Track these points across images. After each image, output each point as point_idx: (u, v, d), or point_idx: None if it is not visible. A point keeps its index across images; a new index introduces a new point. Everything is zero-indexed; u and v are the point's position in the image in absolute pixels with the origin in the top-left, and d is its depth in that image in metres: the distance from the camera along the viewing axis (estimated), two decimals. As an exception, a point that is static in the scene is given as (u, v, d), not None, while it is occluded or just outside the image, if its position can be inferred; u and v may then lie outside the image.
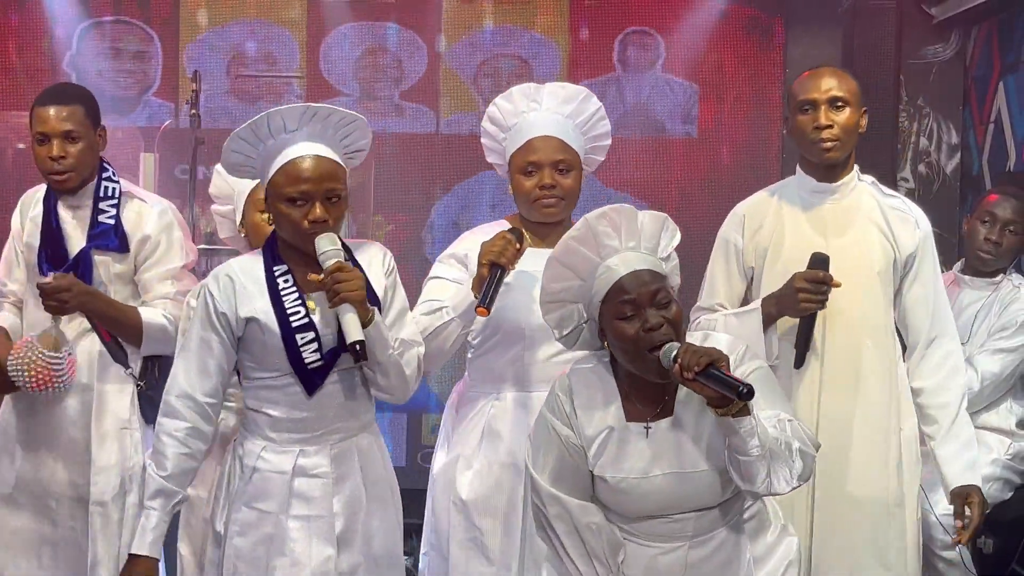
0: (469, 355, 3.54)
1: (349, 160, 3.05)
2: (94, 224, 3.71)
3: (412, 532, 3.58)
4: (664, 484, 2.76)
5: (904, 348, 3.50)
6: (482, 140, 3.57)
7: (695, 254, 6.38)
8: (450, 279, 3.38)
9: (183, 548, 3.60)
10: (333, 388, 3.00)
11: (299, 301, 2.94)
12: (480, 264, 3.21)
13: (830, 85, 3.40)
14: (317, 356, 2.94)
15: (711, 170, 6.64)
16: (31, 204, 3.85)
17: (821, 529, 3.39)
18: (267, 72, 6.69)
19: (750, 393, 2.53)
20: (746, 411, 2.59)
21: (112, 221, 3.71)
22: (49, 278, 3.55)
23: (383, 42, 6.73)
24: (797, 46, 6.56)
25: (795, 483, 2.69)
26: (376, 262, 3.09)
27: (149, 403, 3.73)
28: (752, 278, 3.53)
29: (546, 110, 3.45)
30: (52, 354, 3.56)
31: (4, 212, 3.97)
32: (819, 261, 3.32)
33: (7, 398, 3.84)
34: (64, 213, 3.75)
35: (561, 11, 6.66)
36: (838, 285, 3.29)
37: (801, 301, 3.28)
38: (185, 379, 2.97)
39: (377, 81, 6.76)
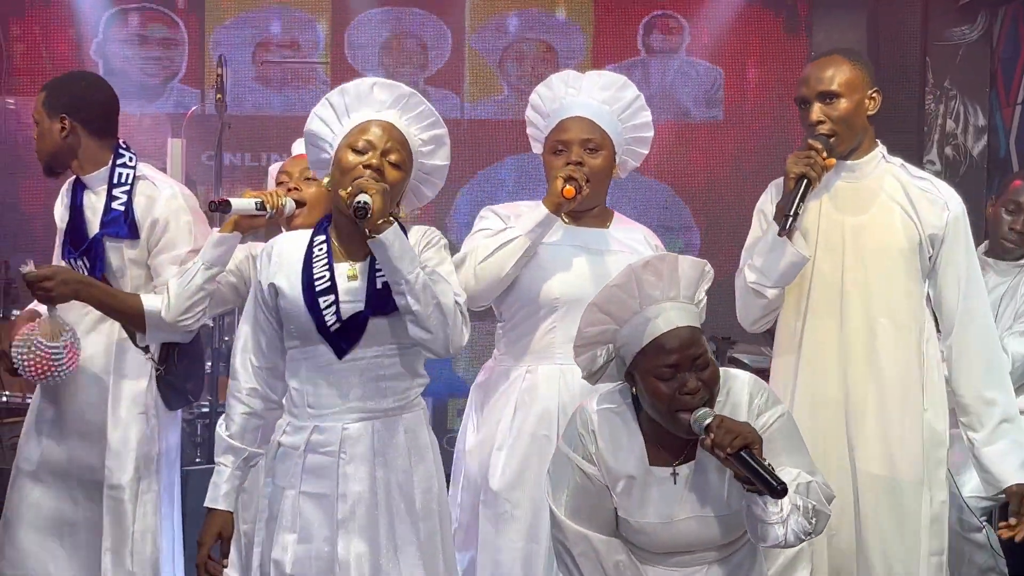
0: (499, 330, 3.56)
1: (419, 161, 3.10)
2: (107, 210, 3.73)
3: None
4: (688, 528, 2.79)
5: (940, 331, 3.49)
6: (528, 130, 3.61)
7: (722, 238, 6.34)
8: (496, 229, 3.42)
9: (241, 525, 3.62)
10: (358, 365, 3.00)
11: (326, 267, 2.99)
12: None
13: (820, 79, 3.38)
14: (335, 318, 2.96)
15: (736, 153, 6.64)
16: (67, 191, 3.89)
17: (862, 511, 3.40)
18: (292, 58, 6.71)
19: (784, 491, 2.56)
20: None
21: (123, 208, 3.72)
22: (29, 267, 3.54)
23: (408, 27, 6.74)
24: (822, 29, 6.54)
25: (805, 540, 2.72)
26: (412, 234, 3.11)
27: (169, 388, 3.75)
28: None
29: (583, 94, 3.48)
30: (50, 344, 3.56)
31: (31, 197, 4.00)
32: (818, 137, 3.33)
33: (37, 386, 3.87)
34: (87, 199, 3.77)
35: (585, -5, 6.67)
36: (831, 164, 3.30)
37: (788, 165, 3.30)
38: (243, 344, 3.07)
39: (402, 66, 6.78)
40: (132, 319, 3.65)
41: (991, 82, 6.15)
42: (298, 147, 3.68)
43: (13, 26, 6.57)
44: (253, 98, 6.60)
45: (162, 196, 3.72)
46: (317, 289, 2.97)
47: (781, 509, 2.63)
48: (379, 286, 2.98)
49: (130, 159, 3.78)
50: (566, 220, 3.43)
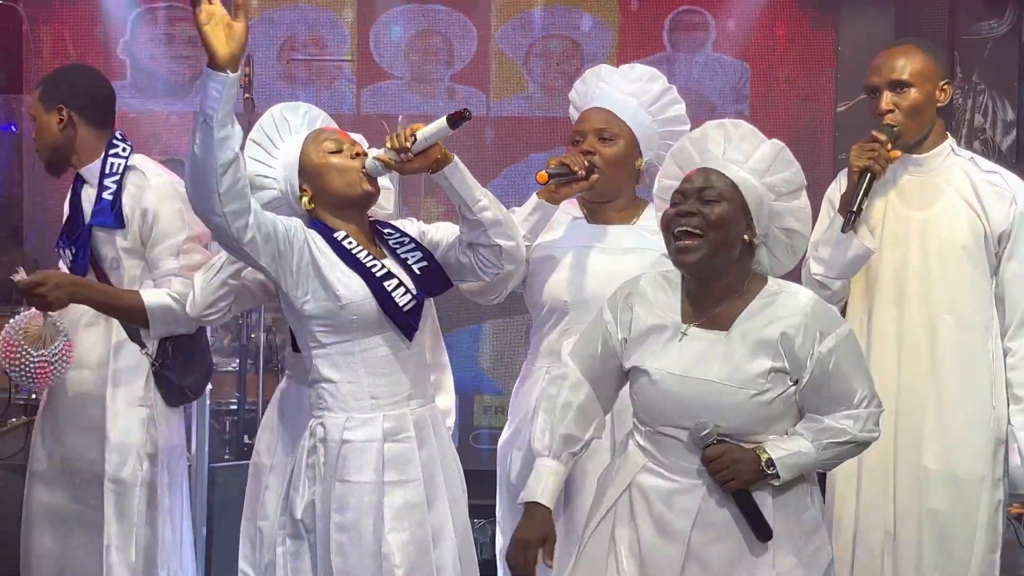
0: (531, 330, 3.59)
1: None
2: (97, 200, 3.72)
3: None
4: (698, 389, 2.76)
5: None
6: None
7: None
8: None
9: (248, 511, 3.63)
10: (415, 351, 3.07)
11: (370, 255, 3.02)
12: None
13: (892, 68, 3.38)
14: (409, 297, 3.00)
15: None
16: (71, 185, 3.91)
17: (901, 503, 3.38)
18: (318, 56, 6.73)
19: (768, 536, 2.74)
20: (774, 475, 2.76)
21: (111, 197, 3.70)
22: (20, 275, 3.53)
23: (433, 25, 6.74)
24: (850, 23, 6.50)
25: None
26: (409, 227, 3.22)
27: (165, 383, 3.75)
28: None
29: (609, 86, 3.48)
30: (39, 353, 3.55)
31: (58, 196, 4.01)
32: (885, 129, 3.31)
33: None
34: (84, 192, 3.78)
35: (611, -9, 6.65)
36: (896, 156, 3.29)
37: (851, 158, 3.29)
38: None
39: (427, 64, 6.78)
40: (132, 315, 3.61)
41: (1020, 76, 6.11)
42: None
43: (41, 27, 6.60)
44: (279, 96, 6.61)
45: (151, 185, 3.69)
46: (378, 275, 2.98)
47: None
48: (417, 271, 3.06)
49: (123, 150, 3.76)
50: (586, 217, 3.44)
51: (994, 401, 3.37)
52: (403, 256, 3.07)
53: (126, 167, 3.71)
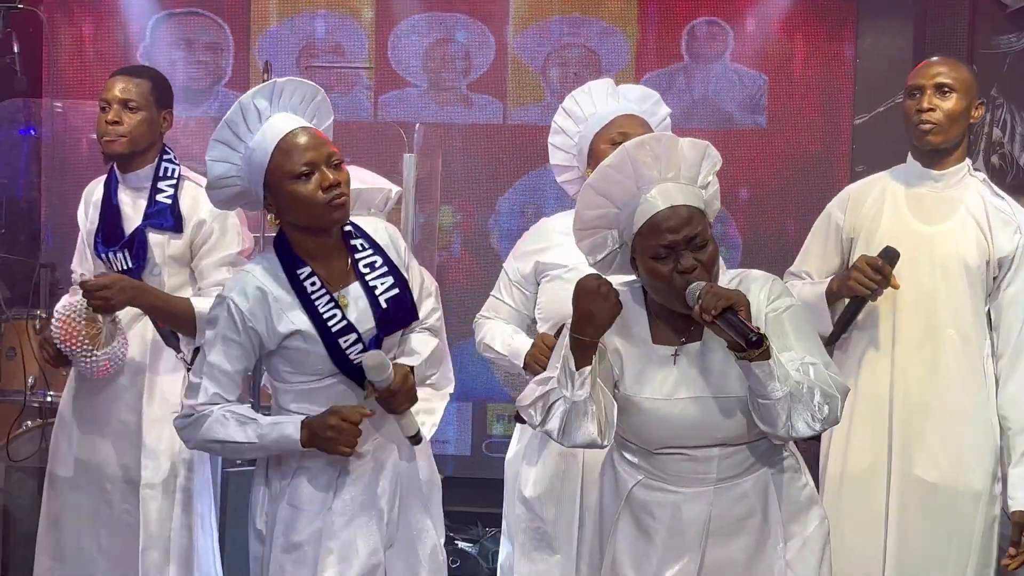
0: None
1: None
2: (151, 203, 3.74)
3: (477, 519, 3.61)
4: (689, 409, 2.74)
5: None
6: (551, 140, 3.59)
7: (767, 244, 6.30)
8: (507, 302, 3.58)
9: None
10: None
11: (331, 304, 2.86)
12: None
13: (939, 71, 3.43)
14: (360, 348, 2.87)
15: (780, 161, 6.60)
16: (92, 192, 3.92)
17: (898, 514, 3.38)
18: (337, 63, 6.74)
19: (759, 342, 2.55)
20: (765, 356, 2.59)
21: (169, 200, 3.73)
22: (89, 276, 3.57)
23: (451, 33, 6.75)
24: (868, 35, 6.49)
25: (818, 427, 2.68)
26: (382, 236, 3.03)
27: None
28: (849, 253, 3.54)
29: (625, 101, 3.49)
30: (103, 352, 3.63)
31: (77, 200, 4.03)
32: (888, 253, 3.33)
33: (67, 385, 3.89)
34: (124, 196, 3.79)
35: (630, 1, 6.65)
36: (896, 286, 3.31)
37: (852, 280, 3.31)
38: (212, 393, 2.88)
39: (445, 72, 6.79)
40: (182, 323, 3.66)
41: (1039, 90, 6.09)
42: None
43: (61, 32, 6.63)
44: (297, 103, 6.63)
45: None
46: (334, 330, 2.84)
47: (781, 387, 2.60)
48: (384, 305, 2.91)
49: (174, 157, 3.82)
50: None
51: (994, 419, 3.40)
52: (371, 284, 2.92)
53: (180, 175, 3.76)
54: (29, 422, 4.65)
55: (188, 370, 3.74)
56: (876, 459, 3.38)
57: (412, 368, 2.89)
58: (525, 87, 6.74)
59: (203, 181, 3.82)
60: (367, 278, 2.91)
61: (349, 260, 2.93)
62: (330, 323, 2.84)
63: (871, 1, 6.48)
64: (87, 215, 3.91)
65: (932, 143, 3.40)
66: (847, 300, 3.42)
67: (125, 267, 3.73)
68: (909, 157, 3.54)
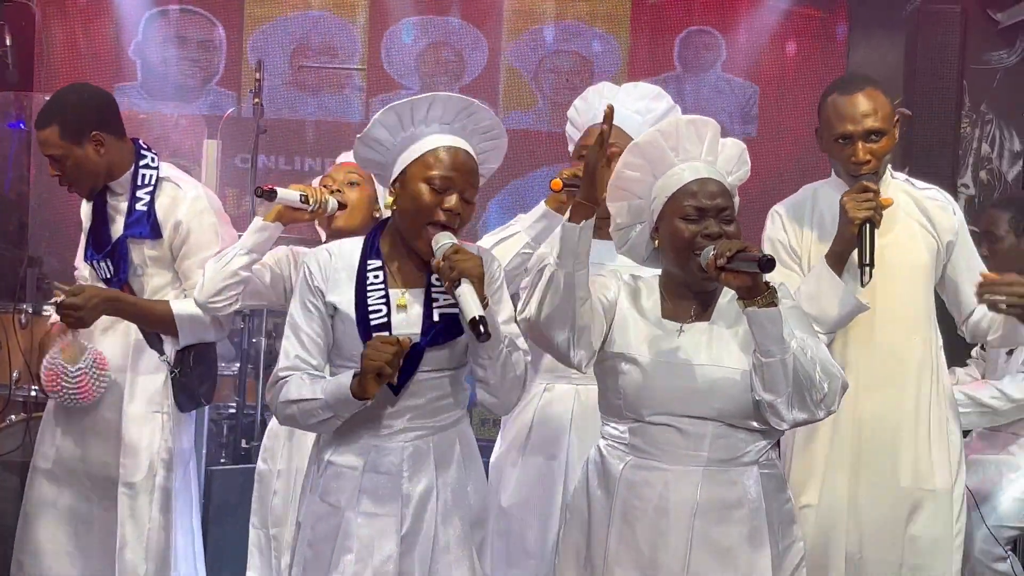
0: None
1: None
2: (130, 211, 3.74)
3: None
4: (687, 373, 2.77)
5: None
6: (570, 148, 3.61)
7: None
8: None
9: (255, 519, 3.63)
10: (416, 387, 2.90)
11: (383, 299, 2.87)
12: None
13: (865, 113, 3.32)
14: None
15: (771, 170, 6.61)
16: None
17: (869, 523, 3.39)
18: (329, 64, 6.74)
19: (771, 263, 2.58)
20: (773, 303, 2.64)
21: (145, 208, 3.72)
22: (60, 296, 3.57)
23: (445, 37, 6.76)
24: (860, 49, 6.52)
25: (819, 412, 2.71)
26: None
27: (183, 390, 3.76)
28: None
29: (614, 103, 3.47)
30: (76, 368, 3.62)
31: (63, 193, 4.01)
32: (871, 177, 3.31)
33: None
34: (111, 201, 3.79)
35: (623, 9, 6.66)
36: (888, 202, 3.30)
37: (849, 211, 3.26)
38: (294, 356, 2.89)
39: (437, 75, 6.80)
40: (162, 325, 3.66)
41: (1028, 107, 6.13)
42: (344, 157, 3.68)
43: (53, 26, 6.62)
44: (288, 102, 6.63)
45: (186, 197, 3.72)
46: (372, 324, 2.85)
47: (786, 345, 2.65)
48: (436, 318, 2.89)
49: (152, 159, 3.79)
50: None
51: (950, 425, 3.45)
52: (435, 295, 2.91)
53: (158, 178, 3.74)
54: (13, 416, 4.63)
55: (171, 372, 3.74)
56: (847, 470, 3.40)
57: (487, 304, 2.79)
58: (517, 93, 6.76)
59: (184, 179, 3.82)
60: (433, 290, 2.91)
61: (427, 267, 2.91)
62: (372, 315, 2.87)
63: (863, 15, 6.50)
64: (86, 213, 3.91)
65: (868, 176, 3.38)
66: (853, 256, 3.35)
67: (109, 275, 3.73)
68: (834, 175, 3.49)
